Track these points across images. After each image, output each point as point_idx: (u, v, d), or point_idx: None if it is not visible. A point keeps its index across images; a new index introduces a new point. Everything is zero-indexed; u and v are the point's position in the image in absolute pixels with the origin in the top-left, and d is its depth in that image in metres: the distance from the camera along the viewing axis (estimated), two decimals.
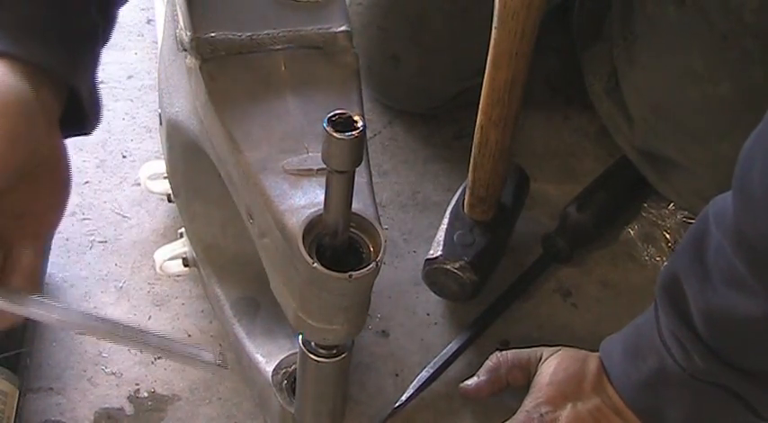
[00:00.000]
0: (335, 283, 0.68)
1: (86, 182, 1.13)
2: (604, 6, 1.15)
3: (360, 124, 0.62)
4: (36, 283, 0.70)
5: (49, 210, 0.70)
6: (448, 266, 1.02)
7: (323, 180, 0.67)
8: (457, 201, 1.07)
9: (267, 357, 0.92)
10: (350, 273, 0.68)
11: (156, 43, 1.07)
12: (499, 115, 0.97)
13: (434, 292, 1.05)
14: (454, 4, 1.10)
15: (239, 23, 0.81)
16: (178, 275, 1.05)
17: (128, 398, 0.98)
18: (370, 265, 0.68)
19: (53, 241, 1.03)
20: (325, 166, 0.65)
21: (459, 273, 1.02)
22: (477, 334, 1.05)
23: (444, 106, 1.22)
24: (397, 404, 0.99)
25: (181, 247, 1.03)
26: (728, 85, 1.01)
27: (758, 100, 0.99)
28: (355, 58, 0.83)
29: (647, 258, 1.14)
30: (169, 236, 1.05)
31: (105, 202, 1.12)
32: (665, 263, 1.12)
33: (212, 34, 0.81)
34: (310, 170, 0.75)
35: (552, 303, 1.10)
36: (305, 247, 0.69)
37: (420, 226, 1.15)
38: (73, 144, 0.72)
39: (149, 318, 1.03)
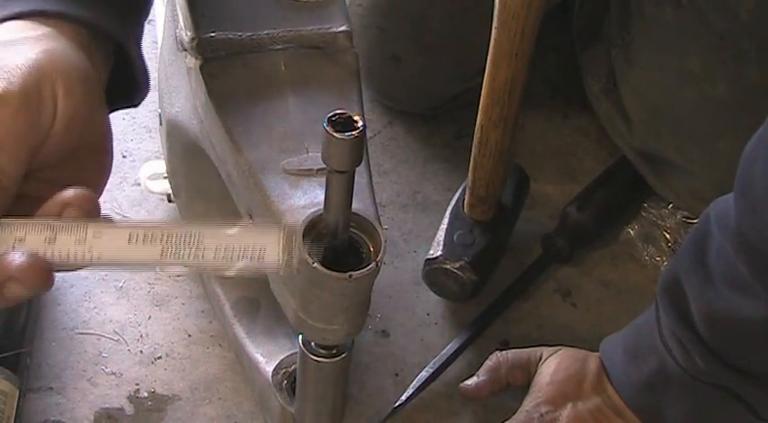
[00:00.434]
0: (335, 283, 0.68)
1: None
2: (603, 7, 1.15)
3: (360, 124, 0.62)
4: None
5: (91, 180, 0.68)
6: (448, 266, 1.02)
7: (323, 180, 0.67)
8: (457, 201, 1.07)
9: (267, 357, 0.92)
10: (350, 273, 0.68)
11: (156, 43, 1.07)
12: (499, 115, 0.97)
13: (434, 292, 1.05)
14: (454, 5, 1.10)
15: (239, 23, 0.81)
16: (178, 275, 1.05)
17: (128, 398, 0.98)
18: (370, 265, 0.68)
19: None
20: (325, 166, 0.65)
21: (459, 273, 1.02)
22: (476, 334, 1.05)
23: (445, 106, 1.21)
24: (396, 404, 0.99)
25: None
26: (725, 85, 1.01)
27: (755, 100, 0.99)
28: (355, 58, 0.83)
29: (647, 258, 1.14)
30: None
31: (105, 202, 1.11)
32: (666, 264, 1.12)
33: (212, 34, 0.81)
34: (310, 170, 0.75)
35: (552, 303, 1.10)
36: (305, 246, 0.69)
37: (420, 226, 1.15)
38: None
39: (149, 318, 1.03)
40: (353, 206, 0.68)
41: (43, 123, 0.63)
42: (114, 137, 0.70)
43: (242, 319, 0.96)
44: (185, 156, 0.96)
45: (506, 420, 0.94)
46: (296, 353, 0.86)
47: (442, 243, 1.03)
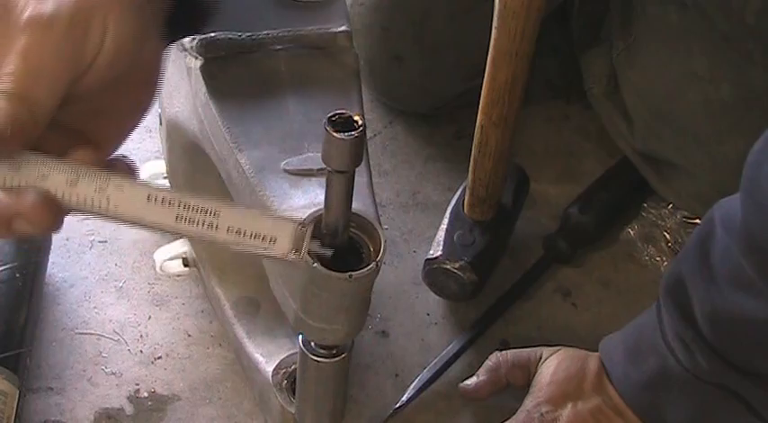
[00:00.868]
0: (335, 284, 0.68)
1: None
2: (603, 9, 1.15)
3: (360, 124, 0.62)
4: None
5: (130, 113, 0.67)
6: (448, 266, 1.02)
7: (323, 180, 0.67)
8: (457, 201, 1.07)
9: (267, 357, 0.92)
10: (350, 273, 0.68)
11: None
12: (499, 115, 0.97)
13: (434, 292, 1.05)
14: (457, 5, 1.10)
15: (239, 23, 0.81)
16: (178, 275, 1.05)
17: (128, 398, 0.98)
18: (370, 266, 0.68)
19: (53, 241, 1.03)
20: (325, 166, 0.65)
21: (459, 273, 1.02)
22: (477, 334, 1.05)
23: (446, 106, 1.22)
24: (397, 405, 0.99)
25: (181, 247, 1.03)
26: (729, 87, 1.01)
27: (759, 102, 0.99)
28: (355, 58, 0.83)
29: (647, 258, 1.14)
30: (169, 236, 1.05)
31: None
32: (668, 264, 1.12)
33: (212, 34, 0.81)
34: (310, 170, 0.75)
35: (552, 303, 1.10)
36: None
37: (420, 226, 1.15)
38: None
39: (149, 318, 1.03)
40: (353, 206, 0.68)
41: (87, 54, 0.60)
42: None
43: (242, 319, 0.96)
44: (185, 156, 0.96)
45: (506, 420, 0.94)
46: (296, 353, 0.86)
47: (442, 243, 1.03)
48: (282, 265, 0.75)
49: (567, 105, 1.29)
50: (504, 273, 1.10)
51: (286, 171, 0.75)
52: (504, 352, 0.98)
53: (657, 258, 1.14)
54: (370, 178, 0.76)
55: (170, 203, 0.58)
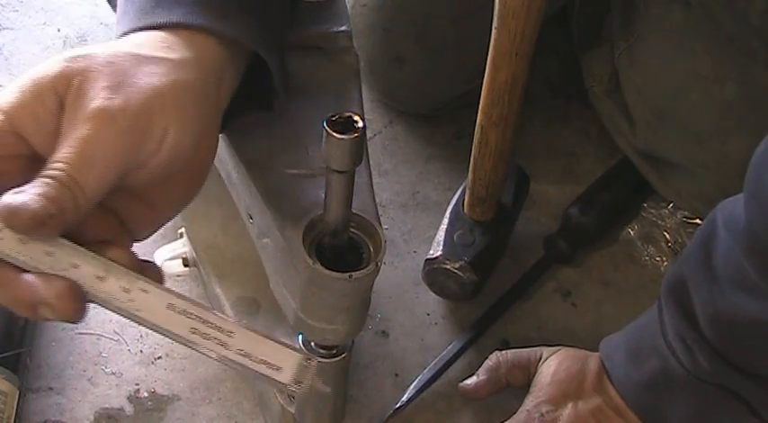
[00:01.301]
0: (335, 284, 0.68)
1: None
2: (604, 8, 1.15)
3: (360, 124, 0.62)
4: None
5: (171, 206, 0.67)
6: (448, 266, 1.02)
7: (323, 180, 0.67)
8: (457, 201, 1.07)
9: None
10: (350, 273, 0.68)
11: None
12: (499, 115, 0.97)
13: (434, 292, 1.05)
14: (459, 7, 1.10)
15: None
16: (178, 275, 1.05)
17: (128, 398, 0.98)
18: (370, 266, 0.68)
19: None
20: (325, 166, 0.65)
21: (459, 273, 1.02)
22: (477, 334, 1.05)
23: (446, 107, 1.22)
24: (397, 405, 0.99)
25: (181, 247, 1.03)
26: (733, 86, 1.01)
27: (763, 102, 0.99)
28: (355, 58, 0.83)
29: (646, 258, 1.15)
30: (169, 236, 1.05)
31: None
32: (669, 264, 1.12)
33: None
34: (310, 170, 0.75)
35: (552, 303, 1.10)
36: (305, 247, 0.69)
37: (420, 226, 1.15)
38: None
39: None
40: (353, 206, 0.68)
41: (143, 153, 0.61)
42: None
43: (242, 319, 0.96)
44: None
45: (506, 420, 0.94)
46: None
47: (442, 243, 1.03)
48: (282, 264, 0.75)
49: (567, 105, 1.29)
50: (504, 273, 1.10)
51: (286, 171, 0.75)
52: (503, 352, 0.98)
53: (657, 258, 1.14)
54: (370, 178, 0.76)
55: (188, 315, 0.60)
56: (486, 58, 0.94)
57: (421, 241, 1.13)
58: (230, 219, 0.95)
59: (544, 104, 1.28)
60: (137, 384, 0.99)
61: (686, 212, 1.15)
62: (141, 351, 1.01)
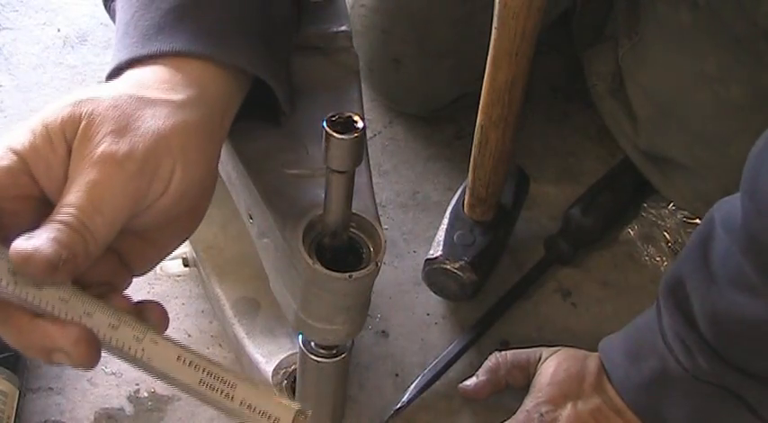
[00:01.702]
0: (335, 284, 0.68)
1: None
2: (605, 7, 1.15)
3: (360, 124, 0.62)
4: None
5: (172, 241, 0.68)
6: (448, 266, 1.02)
7: (323, 180, 0.67)
8: (457, 201, 1.07)
9: (267, 357, 0.92)
10: (350, 273, 0.68)
11: None
12: (499, 115, 0.97)
13: (434, 292, 1.05)
14: (459, 10, 1.10)
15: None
16: (178, 275, 1.05)
17: (128, 398, 0.98)
18: (370, 266, 0.68)
19: None
20: (325, 166, 0.65)
21: (459, 273, 1.02)
22: (477, 334, 1.05)
23: (445, 109, 1.21)
24: (398, 405, 0.99)
25: (181, 246, 1.03)
26: (740, 88, 1.01)
27: None
28: (355, 59, 0.83)
29: (646, 258, 1.14)
30: None
31: None
32: (668, 265, 1.12)
33: None
34: (310, 170, 0.75)
35: (552, 303, 1.10)
36: (305, 247, 0.69)
37: (420, 226, 1.15)
38: None
39: None
40: (353, 206, 0.68)
41: (150, 196, 0.62)
42: None
43: (242, 319, 0.96)
44: None
45: (506, 420, 0.94)
46: (296, 353, 0.87)
47: (442, 243, 1.03)
48: (282, 264, 0.75)
49: (567, 105, 1.29)
50: (503, 273, 1.10)
51: (286, 171, 0.75)
52: (503, 352, 0.98)
53: (657, 258, 1.14)
54: (370, 178, 0.76)
55: (196, 367, 0.61)
56: (485, 62, 0.94)
57: (421, 241, 1.13)
58: (230, 219, 0.95)
59: (544, 104, 1.28)
60: (137, 384, 0.98)
61: (686, 212, 1.15)
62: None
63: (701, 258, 0.81)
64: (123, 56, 0.68)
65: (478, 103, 0.97)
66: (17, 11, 1.36)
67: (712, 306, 0.80)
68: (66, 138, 0.60)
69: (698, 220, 1.15)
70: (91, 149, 0.60)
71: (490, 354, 0.99)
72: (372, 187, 0.75)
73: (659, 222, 1.16)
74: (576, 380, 0.93)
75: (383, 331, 1.06)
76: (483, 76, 0.96)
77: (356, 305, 0.73)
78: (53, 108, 0.61)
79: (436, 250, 1.03)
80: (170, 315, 1.05)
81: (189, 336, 1.02)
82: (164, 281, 1.06)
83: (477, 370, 0.99)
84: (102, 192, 0.59)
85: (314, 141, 0.76)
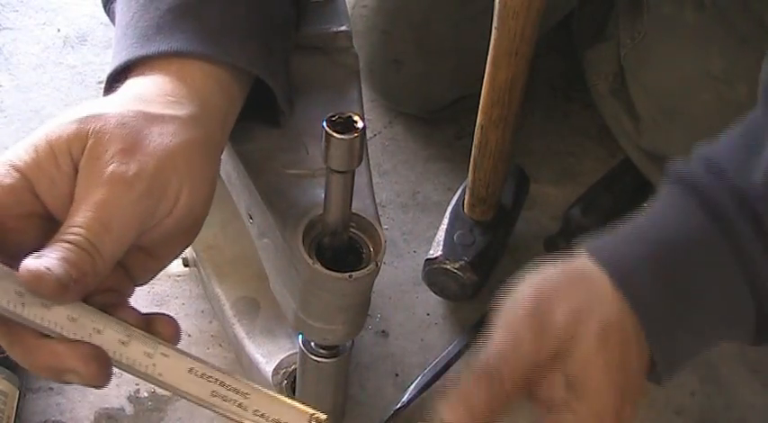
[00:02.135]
0: (335, 284, 0.68)
1: None
2: (606, 7, 1.15)
3: (360, 124, 0.62)
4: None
5: (174, 251, 0.67)
6: (448, 266, 1.02)
7: (323, 180, 0.67)
8: (457, 201, 1.07)
9: (267, 357, 0.92)
10: (350, 273, 0.68)
11: None
12: (499, 115, 0.97)
13: (434, 292, 1.05)
14: (461, 12, 1.10)
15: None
16: (178, 275, 1.05)
17: (128, 398, 0.98)
18: (370, 265, 0.68)
19: None
20: (325, 166, 0.65)
21: (459, 273, 1.02)
22: (477, 335, 1.05)
23: (444, 111, 1.21)
24: (398, 405, 0.99)
25: None
26: (745, 88, 1.01)
27: None
28: (355, 59, 0.83)
29: None
30: None
31: None
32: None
33: None
34: (310, 170, 0.75)
35: None
36: (305, 246, 0.69)
37: (420, 226, 1.15)
38: None
39: None
40: (353, 206, 0.68)
41: (157, 215, 0.62)
42: None
43: (242, 319, 0.96)
44: None
45: None
46: (296, 353, 0.87)
47: (442, 243, 1.03)
48: (282, 264, 0.75)
49: (568, 105, 1.29)
50: (503, 273, 1.10)
51: (286, 171, 0.75)
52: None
53: None
54: (370, 178, 0.76)
55: (208, 379, 0.61)
56: (485, 63, 0.94)
57: (421, 241, 1.13)
58: (230, 219, 0.95)
59: (544, 104, 1.28)
60: (137, 384, 0.98)
61: None
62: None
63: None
64: (123, 57, 0.68)
65: (478, 104, 0.97)
66: (17, 11, 1.36)
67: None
68: (72, 155, 0.60)
69: None
70: (100, 168, 0.59)
71: None
72: (372, 187, 0.75)
73: None
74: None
75: (383, 331, 1.06)
76: (483, 78, 0.96)
77: (356, 305, 0.73)
78: (57, 124, 0.61)
79: (436, 250, 1.03)
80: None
81: (189, 336, 1.02)
82: (164, 281, 1.06)
83: None
84: (111, 212, 0.59)
85: (314, 141, 0.76)
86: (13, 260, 0.58)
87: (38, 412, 0.96)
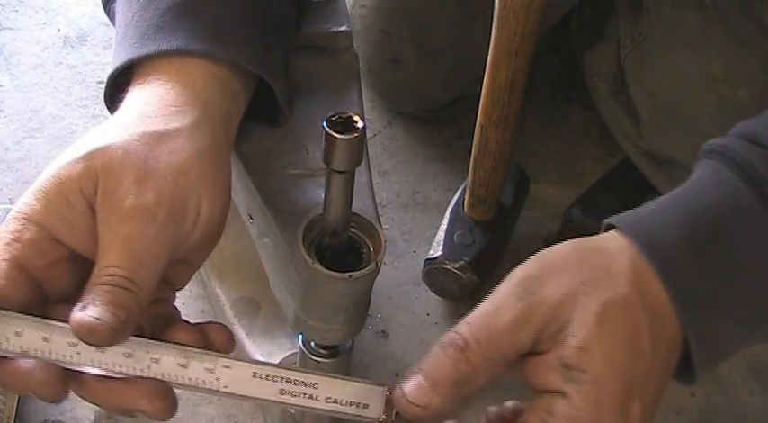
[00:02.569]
0: (335, 284, 0.68)
1: None
2: (605, 7, 1.15)
3: (360, 124, 0.62)
4: None
5: (204, 256, 0.67)
6: (448, 266, 1.02)
7: (323, 180, 0.67)
8: (457, 201, 1.07)
9: (267, 357, 0.92)
10: (350, 273, 0.68)
11: None
12: (499, 115, 0.97)
13: (434, 292, 1.05)
14: (460, 12, 1.10)
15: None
16: None
17: None
18: (370, 265, 0.68)
19: None
20: (325, 166, 0.65)
21: (459, 273, 1.02)
22: None
23: (443, 111, 1.21)
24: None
25: None
26: (746, 89, 1.01)
27: None
28: (355, 58, 0.83)
29: None
30: None
31: None
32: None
33: None
34: (310, 170, 0.75)
35: None
36: (305, 246, 0.69)
37: (420, 226, 1.15)
38: None
39: None
40: (353, 206, 0.68)
41: (184, 234, 0.62)
42: None
43: (242, 319, 0.96)
44: None
45: None
46: (296, 353, 0.86)
47: (442, 243, 1.03)
48: (282, 264, 0.75)
49: (568, 105, 1.29)
50: (504, 273, 1.10)
51: (286, 171, 0.75)
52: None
53: None
54: (370, 178, 0.76)
55: (273, 379, 0.61)
56: (484, 64, 0.94)
57: (421, 241, 1.13)
58: (230, 219, 0.95)
59: (544, 104, 1.28)
60: None
61: None
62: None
63: None
64: (123, 57, 0.68)
65: (478, 104, 0.97)
66: (17, 11, 1.36)
67: None
68: (85, 194, 0.60)
69: None
70: (118, 203, 0.59)
71: None
72: (372, 187, 0.75)
73: None
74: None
75: (383, 331, 1.06)
76: (482, 79, 0.96)
77: (356, 305, 0.73)
78: (63, 164, 0.60)
79: (436, 250, 1.03)
80: None
81: None
82: None
83: None
84: (140, 245, 0.59)
85: (314, 141, 0.76)
86: (58, 305, 0.59)
87: (38, 412, 0.95)
